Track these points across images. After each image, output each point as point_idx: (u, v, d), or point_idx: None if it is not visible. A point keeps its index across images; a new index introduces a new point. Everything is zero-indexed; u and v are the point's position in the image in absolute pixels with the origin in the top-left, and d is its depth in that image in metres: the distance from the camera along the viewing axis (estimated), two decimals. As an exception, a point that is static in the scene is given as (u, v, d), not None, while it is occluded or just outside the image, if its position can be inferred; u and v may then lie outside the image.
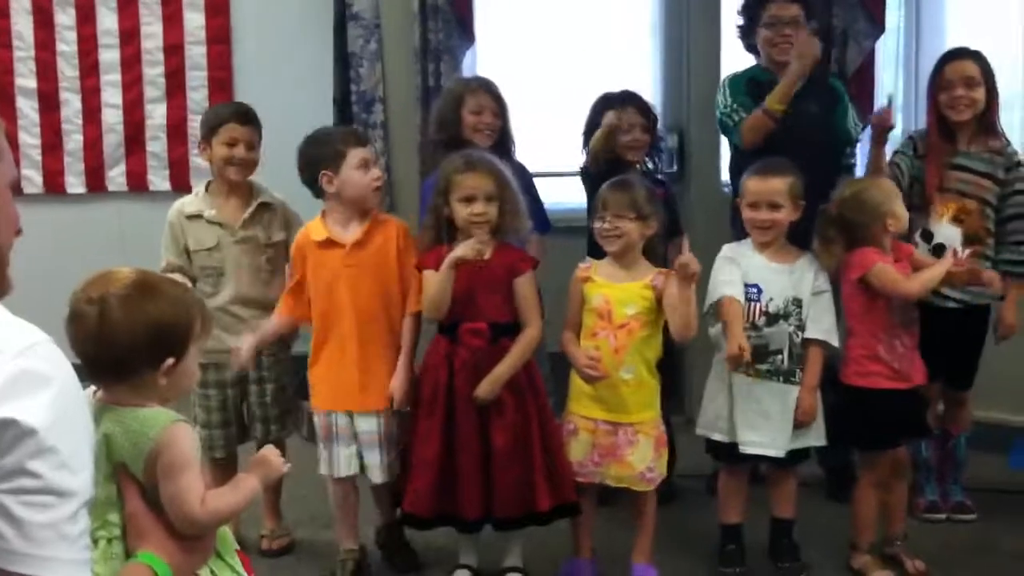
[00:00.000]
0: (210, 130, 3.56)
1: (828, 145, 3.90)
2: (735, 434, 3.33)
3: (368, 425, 3.34)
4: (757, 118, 3.77)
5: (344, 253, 3.31)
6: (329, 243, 3.32)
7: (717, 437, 3.38)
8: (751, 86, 3.88)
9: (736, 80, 3.95)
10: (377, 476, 3.37)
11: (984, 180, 3.61)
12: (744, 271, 3.32)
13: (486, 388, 3.15)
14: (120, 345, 1.85)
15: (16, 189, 1.49)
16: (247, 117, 3.59)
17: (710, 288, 3.34)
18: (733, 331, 3.21)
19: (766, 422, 3.30)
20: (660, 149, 4.10)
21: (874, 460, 3.40)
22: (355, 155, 3.29)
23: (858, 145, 4.29)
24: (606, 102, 3.95)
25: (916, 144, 3.71)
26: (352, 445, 3.36)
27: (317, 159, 3.30)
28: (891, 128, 3.65)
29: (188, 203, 3.60)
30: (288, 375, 3.67)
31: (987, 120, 3.63)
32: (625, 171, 3.64)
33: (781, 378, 3.30)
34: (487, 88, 3.75)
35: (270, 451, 2.12)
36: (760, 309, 3.30)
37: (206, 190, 3.62)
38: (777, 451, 3.31)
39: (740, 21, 4.06)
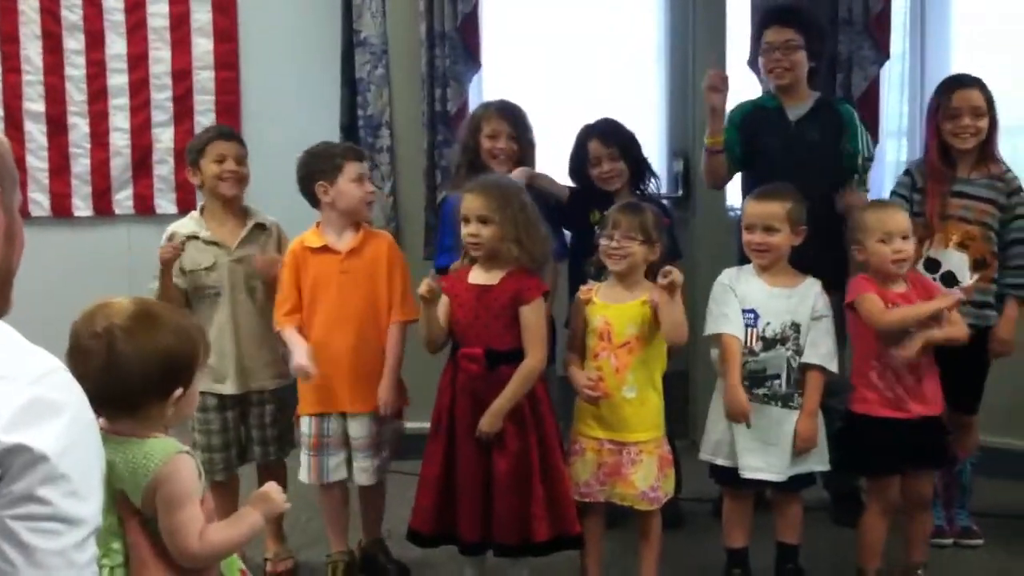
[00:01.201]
0: (197, 152, 3.61)
1: (831, 170, 3.91)
2: (737, 459, 3.33)
3: (360, 429, 3.47)
4: (705, 159, 3.90)
5: (339, 259, 3.45)
6: (325, 249, 3.46)
7: (720, 462, 3.39)
8: (755, 113, 3.92)
9: (734, 112, 3.99)
10: (364, 479, 3.50)
11: (986, 205, 3.62)
12: (741, 296, 3.34)
13: (487, 422, 3.16)
14: (131, 380, 1.85)
15: (22, 213, 1.50)
16: (231, 134, 3.71)
17: (708, 316, 3.36)
18: (729, 382, 3.26)
19: (765, 447, 3.30)
20: (645, 174, 4.00)
21: (879, 487, 3.38)
22: (352, 168, 3.45)
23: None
24: (581, 133, 3.97)
25: (914, 177, 3.72)
26: (342, 452, 3.49)
27: (315, 170, 3.45)
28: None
29: (183, 225, 3.63)
30: (287, 396, 3.69)
31: (988, 148, 3.65)
32: (610, 201, 3.63)
33: (779, 403, 3.31)
34: (503, 113, 3.78)
35: (272, 487, 2.11)
36: (756, 334, 3.31)
37: (200, 213, 3.65)
38: (777, 476, 3.31)
39: (753, 50, 4.11)
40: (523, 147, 3.78)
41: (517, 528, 3.18)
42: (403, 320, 3.50)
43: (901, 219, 3.30)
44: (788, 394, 3.30)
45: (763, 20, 4.08)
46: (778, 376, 3.30)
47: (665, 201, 4.28)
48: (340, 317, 3.44)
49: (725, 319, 3.32)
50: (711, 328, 3.34)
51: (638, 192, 3.92)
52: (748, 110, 3.94)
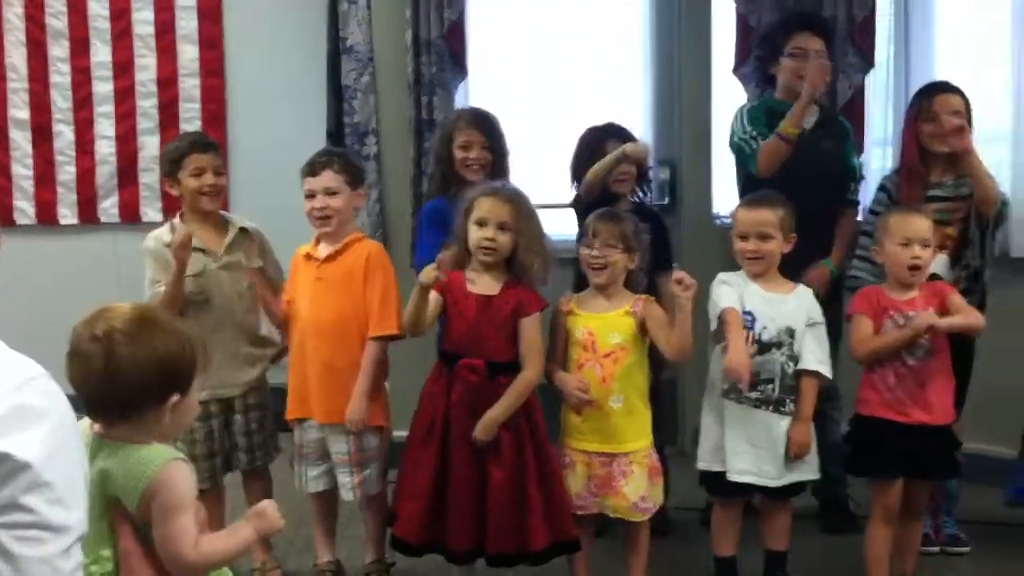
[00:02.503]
0: (173, 164, 3.57)
1: (839, 180, 3.93)
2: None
3: (339, 446, 3.43)
4: (772, 144, 3.79)
5: (316, 267, 3.43)
6: (308, 257, 3.47)
7: (718, 468, 3.34)
8: (768, 116, 3.91)
9: (755, 109, 3.99)
10: (345, 494, 3.48)
11: (957, 203, 3.65)
12: (740, 298, 3.33)
13: (482, 430, 3.14)
14: (129, 384, 1.84)
15: (8, 221, 1.50)
16: (207, 145, 3.64)
17: (710, 310, 3.32)
18: (734, 343, 3.18)
19: (753, 450, 3.28)
20: (649, 180, 4.06)
21: (877, 490, 3.35)
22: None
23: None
24: (593, 135, 3.95)
25: (889, 191, 3.75)
26: (322, 464, 3.48)
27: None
28: None
29: (165, 233, 3.57)
30: (269, 403, 3.68)
31: None
32: (615, 203, 3.65)
33: (771, 407, 3.29)
34: (474, 123, 3.72)
35: (269, 505, 2.10)
36: (753, 337, 3.29)
37: (181, 220, 3.61)
38: (766, 481, 3.30)
39: (758, 52, 4.10)
40: (496, 156, 3.72)
41: (513, 537, 3.17)
42: (379, 335, 3.39)
43: (923, 226, 3.29)
44: (780, 399, 3.29)
45: (790, 23, 4.05)
46: (771, 381, 3.28)
47: (654, 207, 4.27)
48: (314, 326, 3.40)
49: (728, 299, 3.26)
50: (714, 312, 3.28)
51: (637, 200, 3.93)
52: (763, 111, 3.93)
